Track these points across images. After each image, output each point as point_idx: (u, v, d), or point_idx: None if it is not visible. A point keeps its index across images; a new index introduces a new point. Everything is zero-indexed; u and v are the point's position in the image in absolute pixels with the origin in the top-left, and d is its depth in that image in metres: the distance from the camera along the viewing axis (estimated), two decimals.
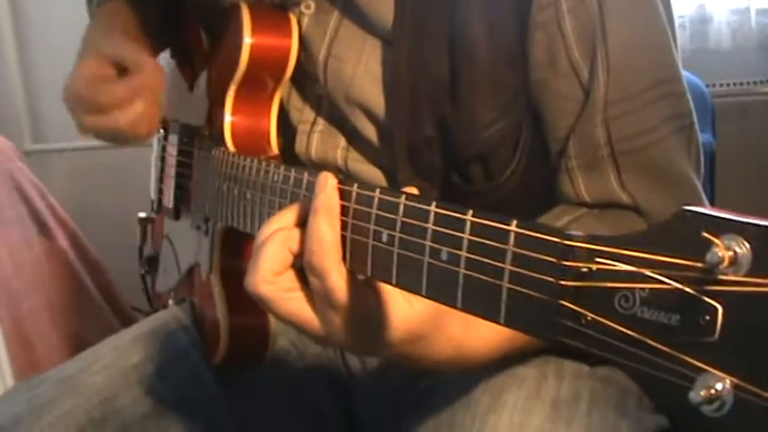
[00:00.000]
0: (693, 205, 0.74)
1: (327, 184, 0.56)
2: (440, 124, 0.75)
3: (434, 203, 0.47)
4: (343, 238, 0.55)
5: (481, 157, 0.76)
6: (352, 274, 0.55)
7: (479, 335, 0.61)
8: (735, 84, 1.88)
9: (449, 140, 0.76)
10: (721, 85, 1.87)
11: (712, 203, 1.33)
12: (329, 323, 0.56)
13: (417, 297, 0.53)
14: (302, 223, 0.58)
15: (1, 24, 2.26)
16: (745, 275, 0.31)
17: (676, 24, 0.78)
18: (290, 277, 0.58)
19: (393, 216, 0.51)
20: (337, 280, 0.54)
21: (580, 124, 0.73)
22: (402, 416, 0.77)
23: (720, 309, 0.32)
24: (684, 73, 0.78)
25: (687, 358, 0.32)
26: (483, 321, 0.57)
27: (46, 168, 2.21)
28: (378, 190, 0.52)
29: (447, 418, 0.68)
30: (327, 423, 0.93)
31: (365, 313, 0.56)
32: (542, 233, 0.39)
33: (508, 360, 0.68)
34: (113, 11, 1.01)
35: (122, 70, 0.88)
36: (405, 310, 0.55)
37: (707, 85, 1.53)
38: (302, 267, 0.57)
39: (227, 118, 0.86)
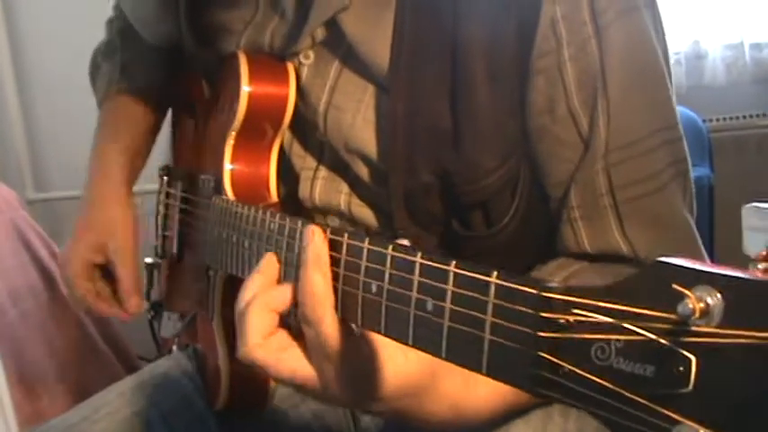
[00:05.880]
0: (689, 250, 0.74)
1: (315, 236, 0.56)
2: (440, 172, 0.75)
3: (420, 254, 0.47)
4: (335, 288, 0.56)
5: (482, 203, 0.75)
6: (345, 324, 0.55)
7: (479, 393, 0.60)
8: (731, 118, 1.89)
9: (449, 188, 0.75)
10: (718, 120, 1.88)
11: (711, 239, 1.34)
12: (325, 375, 0.56)
13: (413, 351, 0.52)
14: (280, 279, 0.59)
15: (2, 75, 2.26)
16: (717, 327, 0.31)
17: (672, 61, 0.77)
18: (282, 336, 0.58)
19: (381, 267, 0.51)
20: (330, 328, 0.55)
21: (580, 172, 0.72)
22: None
23: (694, 360, 0.32)
24: (681, 109, 0.77)
25: (662, 410, 0.32)
26: (483, 379, 0.57)
27: (49, 217, 2.20)
28: (367, 240, 0.53)
29: None
30: None
31: (359, 364, 0.55)
32: (520, 285, 0.39)
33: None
34: (115, 117, 1.09)
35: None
36: (398, 363, 0.55)
37: (703, 121, 1.54)
38: (292, 325, 0.58)
39: (227, 166, 0.86)
